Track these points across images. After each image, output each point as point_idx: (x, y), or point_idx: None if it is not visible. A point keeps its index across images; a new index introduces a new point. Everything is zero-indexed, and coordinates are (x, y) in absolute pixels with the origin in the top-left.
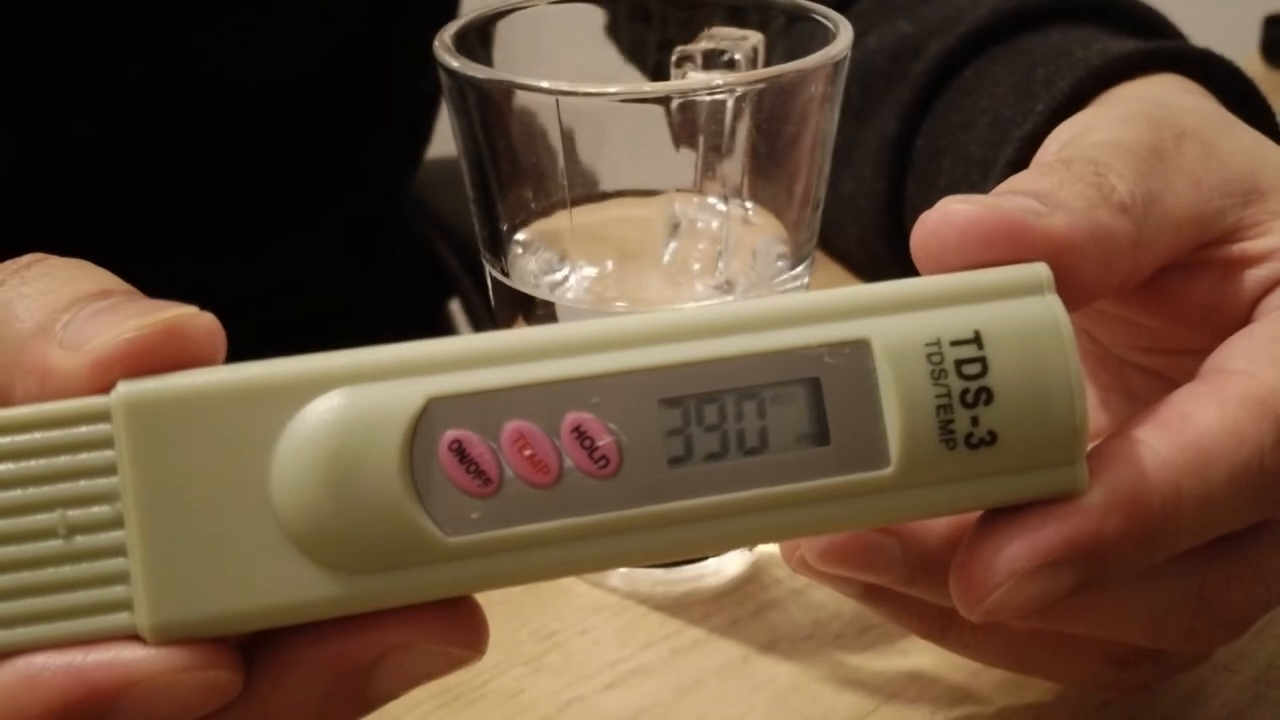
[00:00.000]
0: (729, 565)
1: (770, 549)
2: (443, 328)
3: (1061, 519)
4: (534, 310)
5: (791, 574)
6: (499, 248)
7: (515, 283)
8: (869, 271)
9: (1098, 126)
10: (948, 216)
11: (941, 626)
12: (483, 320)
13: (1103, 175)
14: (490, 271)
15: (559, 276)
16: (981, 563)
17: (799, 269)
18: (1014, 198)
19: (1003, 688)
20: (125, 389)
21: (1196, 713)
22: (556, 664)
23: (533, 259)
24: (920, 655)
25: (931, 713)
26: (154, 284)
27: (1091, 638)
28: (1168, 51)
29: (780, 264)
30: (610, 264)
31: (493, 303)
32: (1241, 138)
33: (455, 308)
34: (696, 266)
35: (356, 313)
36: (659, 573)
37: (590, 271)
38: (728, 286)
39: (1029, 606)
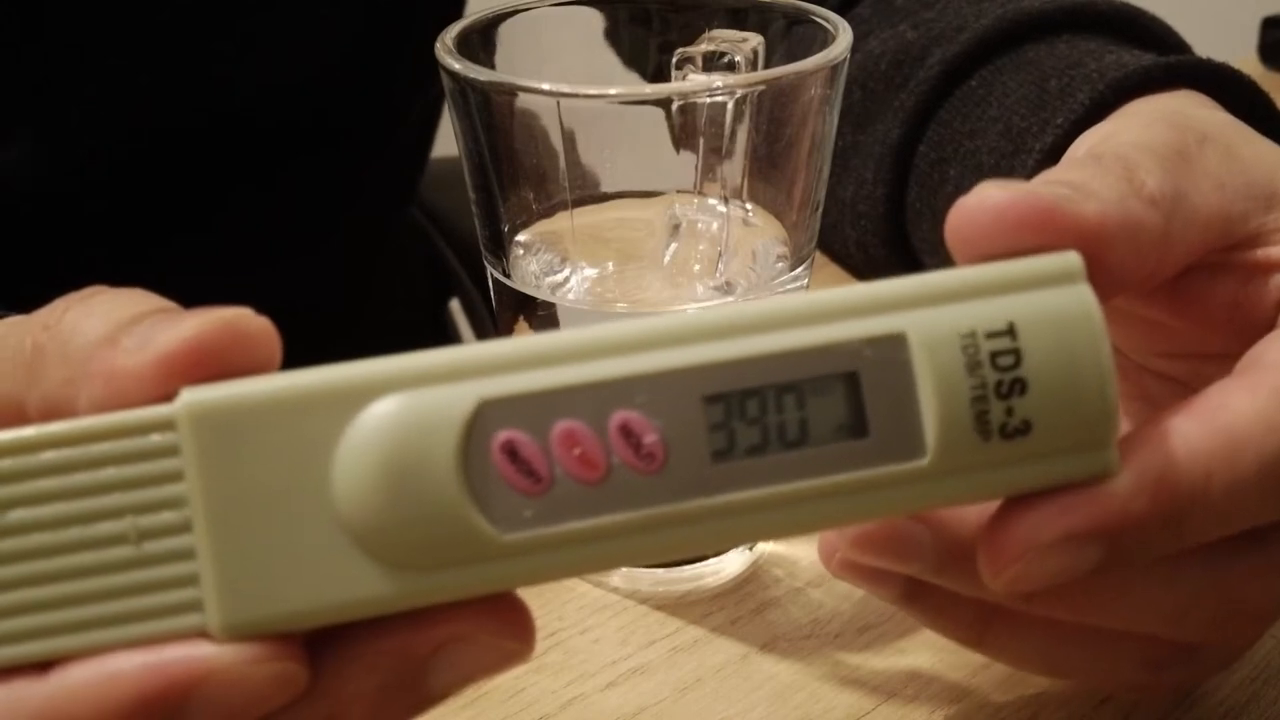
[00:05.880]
0: (729, 565)
1: (772, 548)
2: (443, 327)
3: (1089, 496)
4: (535, 311)
5: (791, 573)
6: (500, 249)
7: (516, 284)
8: (867, 274)
9: (1122, 131)
10: (983, 200)
11: (979, 631)
12: (483, 321)
13: (1133, 170)
14: (491, 272)
15: (560, 278)
16: (1008, 533)
17: (798, 270)
18: (1048, 185)
19: (1001, 686)
20: (189, 397)
21: (1193, 711)
22: (557, 662)
23: (534, 260)
24: (919, 654)
25: (930, 711)
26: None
27: (1126, 640)
28: (1185, 66)
29: (780, 265)
30: (611, 265)
31: (494, 303)
32: (1260, 146)
33: (455, 307)
34: (697, 268)
35: (359, 315)
36: (660, 572)
37: (591, 272)
38: (728, 288)
39: (1052, 579)
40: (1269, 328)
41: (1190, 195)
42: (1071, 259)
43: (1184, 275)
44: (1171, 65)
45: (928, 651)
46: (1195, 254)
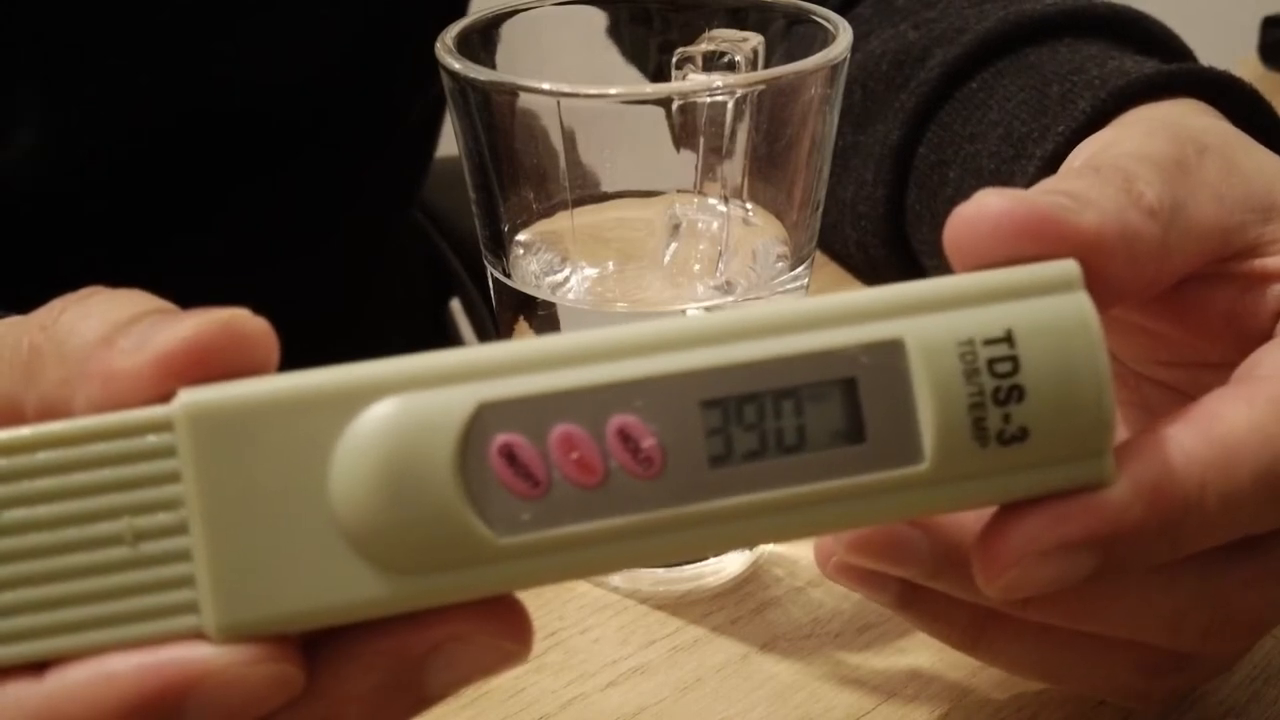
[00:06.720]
0: (729, 565)
1: (772, 548)
2: (443, 328)
3: (1085, 504)
4: (535, 311)
5: (791, 573)
6: (500, 248)
7: (517, 283)
8: (867, 274)
9: (1122, 140)
10: (982, 208)
11: (974, 636)
12: (483, 321)
13: (1131, 181)
14: (492, 272)
15: (560, 277)
16: (1004, 539)
17: (799, 270)
18: (1047, 195)
19: (1001, 686)
20: (186, 398)
21: (1194, 710)
22: (557, 662)
23: (534, 260)
24: (919, 653)
25: (930, 711)
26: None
27: (1121, 647)
28: (1186, 73)
29: (780, 265)
30: (611, 265)
31: (494, 303)
32: (1259, 157)
33: (455, 307)
34: (697, 267)
35: (359, 315)
36: (660, 572)
37: (591, 272)
38: (728, 287)
39: (1047, 586)
40: (1266, 337)
41: (1188, 206)
42: (1070, 267)
43: (1182, 285)
44: (1173, 73)
45: (928, 651)
46: (1193, 264)
